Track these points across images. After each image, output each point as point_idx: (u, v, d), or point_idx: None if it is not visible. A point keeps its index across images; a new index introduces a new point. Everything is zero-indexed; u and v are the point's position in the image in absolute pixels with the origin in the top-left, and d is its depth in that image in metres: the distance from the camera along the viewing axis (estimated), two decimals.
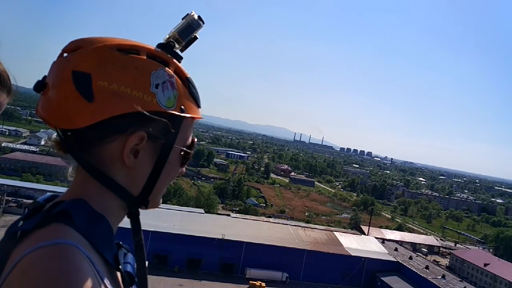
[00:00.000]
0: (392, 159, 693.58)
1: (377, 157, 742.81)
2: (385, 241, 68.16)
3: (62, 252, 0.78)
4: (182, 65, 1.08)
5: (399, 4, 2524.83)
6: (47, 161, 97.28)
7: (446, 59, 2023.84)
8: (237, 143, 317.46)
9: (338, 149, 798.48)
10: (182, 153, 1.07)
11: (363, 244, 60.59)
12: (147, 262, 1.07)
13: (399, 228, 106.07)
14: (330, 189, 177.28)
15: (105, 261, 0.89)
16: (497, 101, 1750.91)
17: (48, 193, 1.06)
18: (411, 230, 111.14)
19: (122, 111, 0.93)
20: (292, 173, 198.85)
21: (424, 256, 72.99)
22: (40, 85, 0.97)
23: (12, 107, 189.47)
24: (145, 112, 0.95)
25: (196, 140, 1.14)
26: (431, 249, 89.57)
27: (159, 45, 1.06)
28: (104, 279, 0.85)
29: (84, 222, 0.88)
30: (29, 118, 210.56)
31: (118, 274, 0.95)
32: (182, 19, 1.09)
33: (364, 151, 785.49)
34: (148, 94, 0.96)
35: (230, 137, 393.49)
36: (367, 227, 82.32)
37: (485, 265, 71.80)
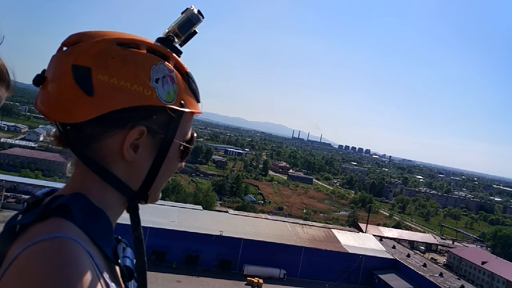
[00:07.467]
0: (390, 156, 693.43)
1: (375, 154, 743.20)
2: (383, 239, 68.22)
3: (61, 246, 0.78)
4: (181, 59, 1.08)
5: (398, 2, 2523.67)
6: (46, 157, 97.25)
7: (444, 57, 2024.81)
8: (236, 140, 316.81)
9: (337, 147, 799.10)
10: (181, 148, 1.07)
11: (360, 241, 60.69)
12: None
13: (397, 225, 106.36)
14: (328, 187, 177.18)
15: (104, 255, 0.89)
16: (497, 99, 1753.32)
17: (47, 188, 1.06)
18: (409, 228, 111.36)
19: (122, 106, 0.93)
20: (290, 170, 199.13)
21: (422, 254, 73.07)
22: (40, 79, 0.97)
23: (11, 102, 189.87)
24: (145, 106, 0.97)
25: (195, 135, 1.14)
26: (429, 247, 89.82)
27: (159, 39, 1.06)
28: (103, 273, 0.85)
29: (83, 216, 0.88)
30: (28, 113, 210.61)
31: (117, 268, 0.94)
32: (182, 13, 1.09)
33: (362, 148, 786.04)
34: (148, 88, 0.96)
35: (229, 134, 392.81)
36: (365, 224, 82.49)
37: (483, 263, 71.92)
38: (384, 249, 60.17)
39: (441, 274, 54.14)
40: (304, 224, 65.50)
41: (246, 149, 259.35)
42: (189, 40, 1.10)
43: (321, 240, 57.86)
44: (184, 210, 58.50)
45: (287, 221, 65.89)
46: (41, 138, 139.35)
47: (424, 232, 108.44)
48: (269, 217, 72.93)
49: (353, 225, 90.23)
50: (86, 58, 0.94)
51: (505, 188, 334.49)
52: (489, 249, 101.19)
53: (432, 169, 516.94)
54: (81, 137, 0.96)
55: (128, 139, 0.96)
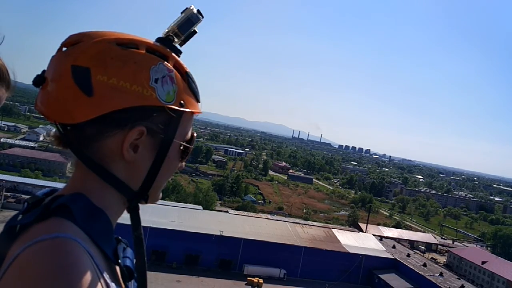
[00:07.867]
0: (390, 156, 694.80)
1: (375, 154, 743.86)
2: (383, 239, 68.12)
3: (61, 245, 0.78)
4: (181, 59, 1.08)
5: (398, 2, 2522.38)
6: (46, 157, 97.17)
7: (444, 57, 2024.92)
8: (236, 140, 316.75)
9: (337, 147, 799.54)
10: (181, 147, 1.07)
11: (361, 241, 60.65)
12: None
13: (397, 225, 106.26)
14: (328, 186, 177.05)
15: (105, 255, 0.89)
16: (497, 99, 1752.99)
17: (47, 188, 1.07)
18: (409, 228, 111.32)
19: (121, 106, 0.93)
20: (291, 170, 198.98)
21: (422, 254, 73.09)
22: (39, 80, 0.97)
23: (11, 102, 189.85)
24: (144, 106, 0.96)
25: (195, 135, 1.13)
26: (429, 247, 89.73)
27: (158, 39, 1.06)
28: (103, 273, 0.85)
29: (83, 216, 0.88)
30: (28, 113, 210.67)
31: (117, 268, 0.94)
32: (181, 13, 1.08)
33: (362, 148, 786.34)
34: (148, 88, 0.96)
35: (229, 134, 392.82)
36: (365, 224, 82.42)
37: (483, 263, 71.91)
38: (384, 249, 60.11)
39: (441, 274, 54.13)
40: (304, 224, 65.44)
41: (246, 149, 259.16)
42: (188, 39, 1.10)
43: (321, 240, 57.82)
44: (184, 210, 58.44)
45: (287, 221, 65.81)
46: (41, 138, 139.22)
47: (424, 232, 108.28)
48: (269, 217, 72.81)
49: (353, 225, 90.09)
50: (86, 59, 0.94)
51: (505, 188, 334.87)
52: (489, 248, 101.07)
53: (432, 169, 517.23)
54: (81, 138, 0.96)
55: (127, 139, 0.95)
